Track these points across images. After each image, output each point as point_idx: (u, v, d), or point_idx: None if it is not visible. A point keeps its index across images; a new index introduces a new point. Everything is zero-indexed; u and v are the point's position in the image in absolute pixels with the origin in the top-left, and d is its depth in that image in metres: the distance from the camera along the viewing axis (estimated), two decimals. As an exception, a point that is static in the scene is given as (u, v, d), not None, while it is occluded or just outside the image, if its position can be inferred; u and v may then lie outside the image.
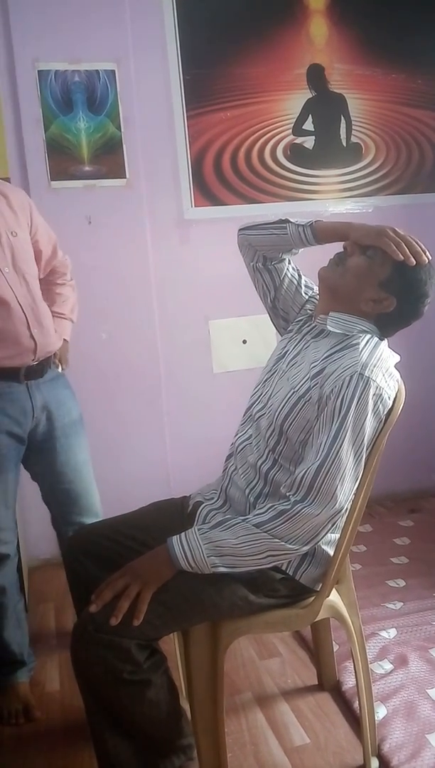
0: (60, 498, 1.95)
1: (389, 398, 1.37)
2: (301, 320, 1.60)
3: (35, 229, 1.88)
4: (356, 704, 1.71)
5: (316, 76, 2.82)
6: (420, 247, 1.40)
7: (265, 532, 1.32)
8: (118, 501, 2.08)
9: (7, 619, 1.89)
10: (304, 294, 1.63)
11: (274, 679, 1.96)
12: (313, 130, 2.85)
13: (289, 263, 1.64)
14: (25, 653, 1.95)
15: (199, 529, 1.37)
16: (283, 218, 1.56)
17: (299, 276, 1.65)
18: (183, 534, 1.37)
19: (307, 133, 2.85)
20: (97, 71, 2.53)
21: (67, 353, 2.01)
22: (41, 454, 1.87)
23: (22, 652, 1.94)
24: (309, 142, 2.85)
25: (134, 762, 1.37)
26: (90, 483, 1.98)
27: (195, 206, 2.73)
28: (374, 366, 1.36)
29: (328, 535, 1.41)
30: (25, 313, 1.74)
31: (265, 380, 1.56)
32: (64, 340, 1.98)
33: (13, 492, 1.84)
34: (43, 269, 1.96)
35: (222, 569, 1.34)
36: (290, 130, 2.82)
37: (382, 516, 2.98)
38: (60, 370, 1.94)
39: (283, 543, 1.32)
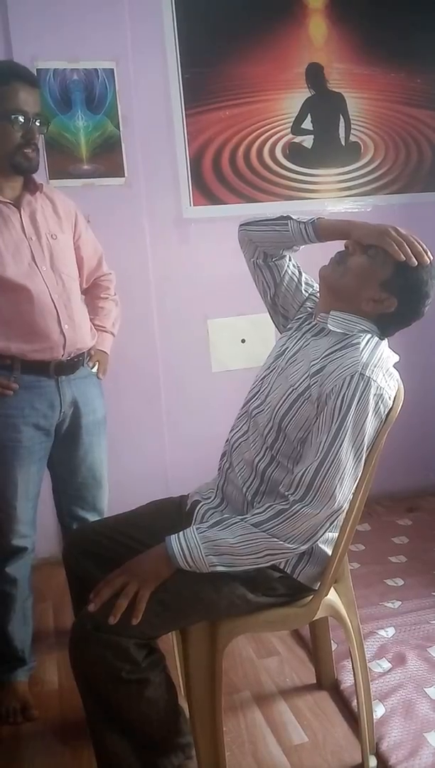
0: (70, 491, 2.00)
1: (390, 398, 1.37)
2: (301, 318, 1.60)
3: (78, 237, 1.96)
4: (354, 703, 1.71)
5: (315, 75, 2.81)
6: (422, 247, 1.40)
7: (263, 531, 1.32)
8: (116, 499, 2.09)
9: (15, 613, 1.90)
10: (304, 291, 1.63)
11: (272, 677, 1.96)
12: (311, 129, 2.85)
13: (290, 260, 1.63)
14: (27, 652, 1.95)
15: (197, 528, 1.37)
16: (285, 215, 1.55)
17: (300, 273, 1.65)
18: (181, 533, 1.37)
19: (306, 132, 2.84)
20: (95, 70, 2.52)
21: (106, 364, 2.06)
22: (62, 446, 1.93)
23: (24, 649, 1.94)
24: (308, 141, 2.85)
25: (133, 761, 1.37)
26: (101, 482, 2.04)
27: (194, 205, 2.73)
28: (375, 366, 1.36)
29: (327, 534, 1.41)
30: (57, 309, 1.80)
31: (264, 377, 1.56)
32: (104, 352, 2.05)
33: (36, 486, 1.88)
34: (86, 279, 2.05)
35: (220, 568, 1.34)
36: (289, 129, 2.82)
37: (381, 515, 2.98)
38: (94, 370, 1.99)
39: (281, 542, 1.32)
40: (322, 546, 1.46)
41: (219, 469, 1.61)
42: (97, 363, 2.00)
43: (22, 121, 1.71)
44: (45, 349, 1.80)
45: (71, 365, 1.87)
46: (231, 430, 1.60)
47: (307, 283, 1.64)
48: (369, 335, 1.44)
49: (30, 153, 1.75)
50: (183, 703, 1.47)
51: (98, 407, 1.98)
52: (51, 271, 1.81)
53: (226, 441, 1.60)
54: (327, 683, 1.89)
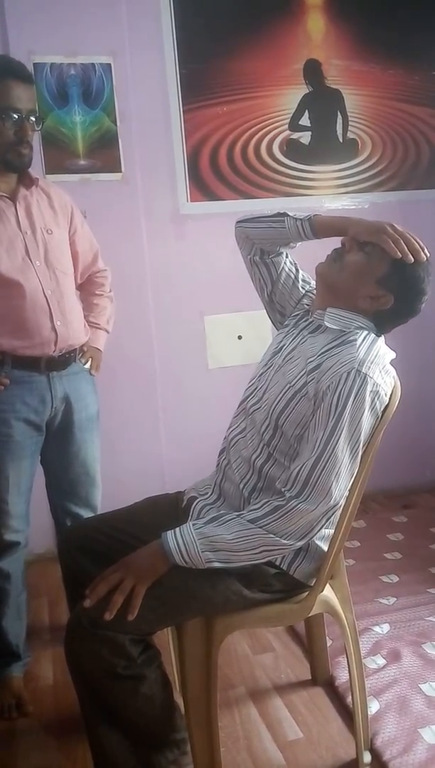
0: (63, 486, 2.00)
1: (386, 395, 1.38)
2: (297, 315, 1.60)
3: (73, 231, 1.95)
4: (349, 699, 1.71)
5: (312, 71, 2.81)
6: (418, 244, 1.40)
7: (259, 527, 1.33)
8: (112, 495, 2.08)
9: (8, 608, 1.90)
10: (301, 288, 1.63)
11: (267, 673, 1.96)
12: (309, 125, 2.84)
13: (287, 257, 1.63)
14: (21, 647, 1.96)
15: (193, 524, 1.37)
16: (282, 211, 1.55)
17: (296, 270, 1.64)
18: (178, 529, 1.37)
19: (304, 129, 2.84)
20: (93, 65, 2.51)
21: (100, 361, 2.05)
22: (54, 442, 1.92)
23: (18, 644, 1.94)
24: (305, 137, 2.85)
25: (128, 756, 1.37)
26: (95, 478, 2.03)
27: (191, 201, 2.73)
28: (371, 362, 1.36)
29: (323, 530, 1.41)
30: (49, 305, 1.79)
31: (261, 374, 1.56)
32: (98, 349, 2.04)
33: (28, 480, 1.88)
34: (81, 274, 2.04)
35: (216, 564, 1.34)
36: (287, 126, 2.82)
37: (376, 512, 2.99)
38: (87, 366, 1.98)
39: (277, 538, 1.32)
40: (318, 542, 1.47)
41: (217, 466, 1.61)
42: (90, 359, 1.99)
43: (15, 118, 1.70)
44: (36, 345, 1.79)
45: (63, 361, 1.87)
46: (229, 427, 1.60)
47: (303, 280, 1.64)
48: (365, 332, 1.44)
49: (22, 150, 1.73)
50: (178, 699, 1.48)
51: (91, 403, 1.98)
52: (45, 266, 1.81)
53: (224, 438, 1.60)
54: (322, 679, 1.90)
